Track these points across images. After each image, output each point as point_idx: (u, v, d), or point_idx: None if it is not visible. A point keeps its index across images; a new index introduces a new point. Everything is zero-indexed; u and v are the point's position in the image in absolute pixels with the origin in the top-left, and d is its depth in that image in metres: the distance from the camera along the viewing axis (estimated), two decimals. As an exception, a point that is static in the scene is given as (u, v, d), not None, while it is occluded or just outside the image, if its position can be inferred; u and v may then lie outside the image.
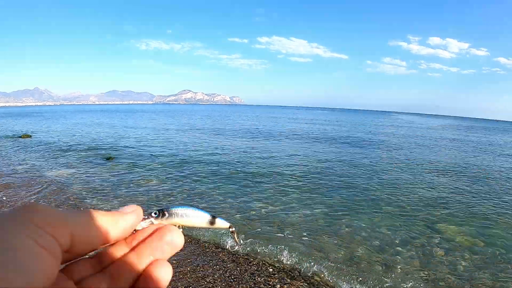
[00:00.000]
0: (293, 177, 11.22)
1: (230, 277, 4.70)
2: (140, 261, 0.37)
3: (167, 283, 0.37)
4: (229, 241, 5.71)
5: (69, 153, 15.30)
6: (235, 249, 5.55)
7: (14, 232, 0.27)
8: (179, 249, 0.39)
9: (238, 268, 4.99)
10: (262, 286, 4.54)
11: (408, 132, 35.09)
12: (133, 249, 0.38)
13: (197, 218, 0.46)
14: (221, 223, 0.48)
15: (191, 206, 0.46)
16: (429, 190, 10.04)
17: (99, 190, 9.05)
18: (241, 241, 5.57)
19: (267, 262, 5.21)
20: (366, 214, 7.60)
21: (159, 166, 12.55)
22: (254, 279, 4.69)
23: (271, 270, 4.99)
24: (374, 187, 10.24)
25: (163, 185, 9.75)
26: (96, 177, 10.45)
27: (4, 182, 9.69)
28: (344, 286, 4.66)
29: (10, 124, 34.71)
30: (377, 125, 43.78)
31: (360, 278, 4.79)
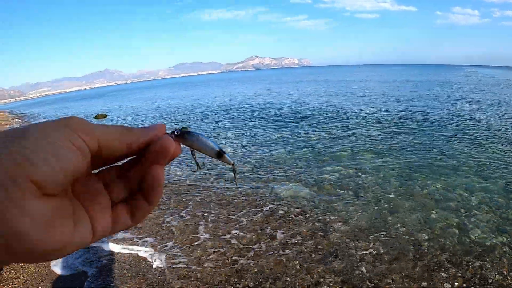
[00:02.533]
0: (365, 137, 11.02)
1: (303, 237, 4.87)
2: (145, 166, 0.44)
3: (161, 182, 0.43)
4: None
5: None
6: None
7: (55, 131, 0.35)
8: (171, 153, 0.44)
9: (310, 224, 5.22)
10: (335, 246, 4.65)
11: (486, 87, 30.85)
12: (144, 157, 0.44)
13: (208, 147, 0.51)
14: (227, 159, 0.54)
15: (208, 137, 0.52)
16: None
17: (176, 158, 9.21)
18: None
19: (340, 221, 5.35)
20: (442, 175, 7.22)
21: (230, 133, 12.57)
22: (328, 239, 4.86)
23: (344, 228, 5.14)
24: (451, 145, 9.62)
25: (235, 151, 10.11)
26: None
27: None
28: (417, 248, 4.55)
29: (85, 106, 37.61)
30: (449, 82, 39.23)
31: (432, 244, 4.62)
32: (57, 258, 0.35)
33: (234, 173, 0.62)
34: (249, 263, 4.37)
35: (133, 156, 0.45)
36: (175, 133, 0.48)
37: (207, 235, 5.14)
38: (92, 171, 0.41)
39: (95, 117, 22.91)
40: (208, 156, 0.52)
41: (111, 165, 0.44)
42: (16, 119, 29.00)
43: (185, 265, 4.40)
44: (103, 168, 0.43)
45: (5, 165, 0.30)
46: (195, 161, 0.57)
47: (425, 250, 4.46)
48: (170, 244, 4.96)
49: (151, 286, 4.03)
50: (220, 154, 0.52)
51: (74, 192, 0.39)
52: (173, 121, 17.56)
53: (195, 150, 0.52)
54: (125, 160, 0.45)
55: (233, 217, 5.72)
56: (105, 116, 23.14)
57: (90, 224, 0.39)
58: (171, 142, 0.44)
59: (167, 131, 0.46)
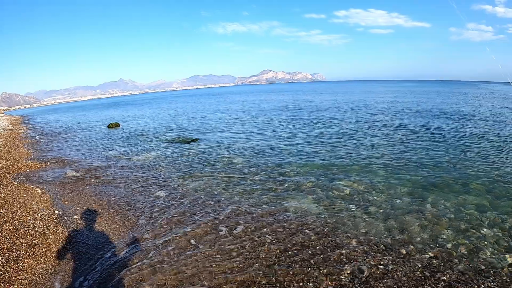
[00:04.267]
0: (377, 151, 11.14)
1: (314, 250, 4.90)
2: None
3: None
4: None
5: (155, 137, 16.57)
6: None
7: None
8: None
9: (321, 241, 5.22)
10: (344, 259, 4.70)
11: (501, 103, 30.50)
12: None
13: None
14: None
15: None
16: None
17: (184, 169, 9.62)
18: None
19: (350, 237, 5.34)
20: (453, 193, 7.18)
21: (243, 146, 12.81)
22: (338, 252, 4.89)
23: (354, 243, 5.14)
24: (463, 163, 9.50)
25: (247, 164, 10.19)
26: (181, 158, 11.13)
27: (98, 167, 10.50)
28: (426, 267, 4.54)
29: (99, 115, 38.26)
30: (464, 97, 39.08)
31: (442, 263, 4.60)
32: None
33: None
34: (256, 273, 4.37)
35: None
36: None
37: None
38: None
39: (108, 126, 23.23)
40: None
41: None
42: (29, 125, 29.58)
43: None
44: None
45: None
46: None
47: (434, 270, 4.44)
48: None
49: None
50: None
51: None
52: (182, 130, 17.71)
53: None
54: None
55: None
56: (118, 125, 23.45)
57: None
58: None
59: None
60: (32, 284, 4.26)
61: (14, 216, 6.13)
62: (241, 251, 5.01)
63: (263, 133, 16.09)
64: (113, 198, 7.51)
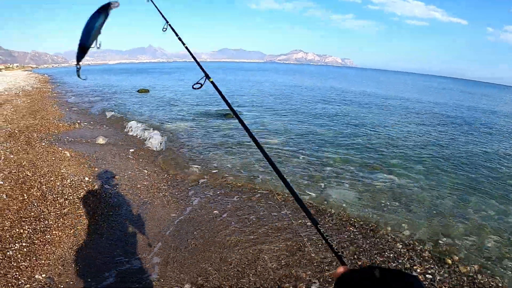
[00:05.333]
0: (419, 147, 10.46)
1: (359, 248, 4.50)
2: None
3: None
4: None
5: (187, 107, 15.83)
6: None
7: None
8: None
9: (368, 241, 4.74)
10: (391, 263, 4.28)
11: None
12: None
13: None
14: None
15: None
16: None
17: (219, 145, 9.09)
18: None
19: (395, 239, 4.87)
20: (497, 198, 6.71)
21: (279, 125, 12.14)
22: (383, 254, 4.44)
23: (399, 246, 4.69)
24: (509, 166, 9.08)
25: (283, 145, 9.45)
26: (215, 133, 10.59)
27: (130, 134, 10.17)
28: (472, 275, 4.19)
29: (129, 80, 38.08)
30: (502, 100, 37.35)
31: (489, 271, 4.29)
32: None
33: None
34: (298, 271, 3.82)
35: None
36: None
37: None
38: None
39: (138, 91, 23.01)
40: None
41: None
42: (58, 84, 29.57)
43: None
44: None
45: None
46: None
47: (479, 280, 4.11)
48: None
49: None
50: None
51: None
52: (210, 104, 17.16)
53: None
54: None
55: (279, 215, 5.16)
56: (148, 91, 23.22)
57: None
58: None
59: None
60: (61, 259, 3.81)
61: (42, 180, 5.72)
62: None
63: (299, 117, 15.48)
64: (146, 169, 7.05)
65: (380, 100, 23.57)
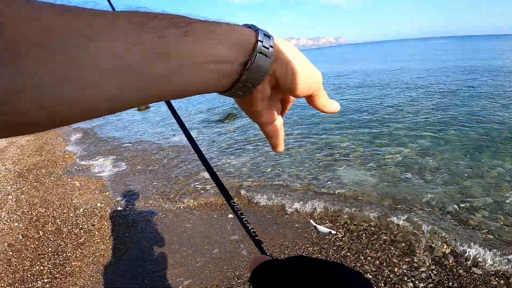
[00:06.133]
0: (422, 112, 10.39)
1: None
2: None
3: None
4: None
5: (189, 117, 15.84)
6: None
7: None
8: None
9: (385, 218, 4.59)
10: (411, 237, 4.12)
11: None
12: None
13: None
14: None
15: None
16: None
17: (226, 148, 9.03)
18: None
19: (416, 208, 4.83)
20: (508, 152, 6.56)
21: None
22: (399, 228, 4.34)
23: (420, 213, 4.65)
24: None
25: (288, 135, 9.40)
26: (220, 137, 10.55)
27: (136, 153, 10.21)
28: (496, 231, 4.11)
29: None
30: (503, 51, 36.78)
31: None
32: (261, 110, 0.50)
33: None
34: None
35: None
36: None
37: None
38: None
39: (138, 109, 22.94)
40: None
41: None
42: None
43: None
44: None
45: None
46: None
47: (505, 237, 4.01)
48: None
49: None
50: None
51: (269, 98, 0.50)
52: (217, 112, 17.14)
53: None
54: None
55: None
56: (148, 107, 23.15)
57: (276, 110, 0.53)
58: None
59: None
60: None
61: (55, 214, 5.78)
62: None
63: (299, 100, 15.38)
64: (156, 183, 7.07)
65: (375, 76, 23.31)
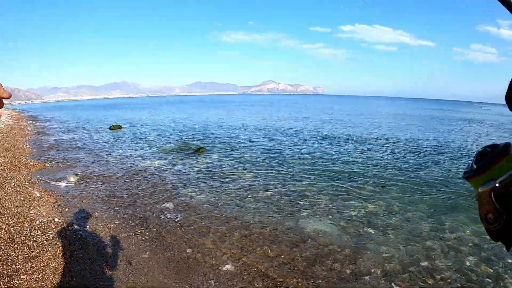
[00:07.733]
0: (390, 170, 10.93)
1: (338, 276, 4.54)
2: None
3: None
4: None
5: (159, 144, 15.94)
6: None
7: None
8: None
9: (344, 269, 4.84)
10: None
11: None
12: None
13: None
14: None
15: None
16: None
17: (192, 181, 9.16)
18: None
19: (374, 266, 5.00)
20: (470, 218, 6.88)
21: (251, 158, 12.28)
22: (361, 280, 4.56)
23: (379, 272, 4.83)
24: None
25: (256, 178, 9.47)
26: (188, 168, 10.65)
27: (102, 173, 10.13)
28: None
29: (101, 116, 37.87)
30: (466, 119, 39.46)
31: None
32: None
33: None
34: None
35: None
36: None
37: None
38: None
39: (110, 128, 22.86)
40: None
41: None
42: (30, 121, 29.10)
43: None
44: None
45: None
46: None
47: None
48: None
49: None
50: None
51: None
52: (185, 138, 17.25)
53: None
54: None
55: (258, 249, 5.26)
56: (120, 127, 23.09)
57: None
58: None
59: None
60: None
61: (10, 222, 5.62)
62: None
63: (272, 145, 15.72)
64: (118, 207, 7.02)
65: (347, 128, 24.13)
